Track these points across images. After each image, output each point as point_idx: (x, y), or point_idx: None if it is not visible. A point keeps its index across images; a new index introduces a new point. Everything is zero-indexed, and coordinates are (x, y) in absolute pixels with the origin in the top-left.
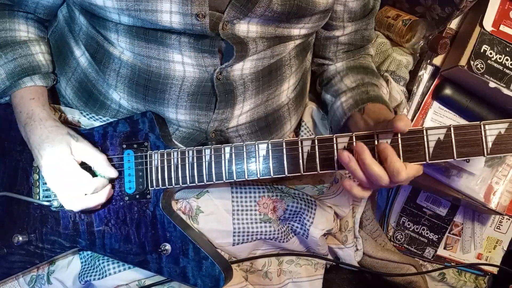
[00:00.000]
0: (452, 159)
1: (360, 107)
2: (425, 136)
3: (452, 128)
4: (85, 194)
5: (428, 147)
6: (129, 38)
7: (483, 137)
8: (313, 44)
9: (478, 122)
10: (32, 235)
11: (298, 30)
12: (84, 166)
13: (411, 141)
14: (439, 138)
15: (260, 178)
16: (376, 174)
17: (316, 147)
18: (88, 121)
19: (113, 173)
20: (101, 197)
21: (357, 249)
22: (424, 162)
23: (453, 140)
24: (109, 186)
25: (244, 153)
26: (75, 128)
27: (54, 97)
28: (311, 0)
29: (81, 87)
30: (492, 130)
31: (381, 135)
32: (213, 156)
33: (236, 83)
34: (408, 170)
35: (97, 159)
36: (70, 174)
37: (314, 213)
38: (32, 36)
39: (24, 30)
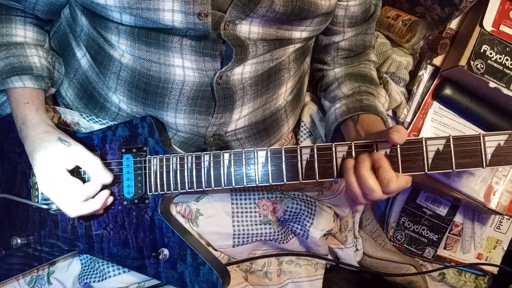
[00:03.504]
0: (451, 170)
1: (352, 115)
2: (424, 147)
3: (451, 139)
4: (79, 201)
5: (427, 158)
6: (130, 40)
7: (482, 149)
8: (312, 49)
9: (478, 134)
10: (31, 237)
11: (300, 33)
12: (80, 170)
13: (410, 151)
14: (438, 148)
15: (259, 185)
16: (370, 187)
17: (315, 155)
18: (88, 123)
19: (108, 178)
20: (95, 204)
21: (357, 249)
22: (423, 172)
23: (452, 151)
24: (105, 192)
25: (243, 159)
26: (68, 131)
27: (54, 98)
28: (313, 2)
29: (82, 88)
30: (492, 142)
31: (380, 145)
32: (212, 162)
33: (235, 88)
34: (398, 181)
35: (91, 164)
36: (60, 183)
37: (314, 214)
38: (29, 40)
39: (21, 35)
